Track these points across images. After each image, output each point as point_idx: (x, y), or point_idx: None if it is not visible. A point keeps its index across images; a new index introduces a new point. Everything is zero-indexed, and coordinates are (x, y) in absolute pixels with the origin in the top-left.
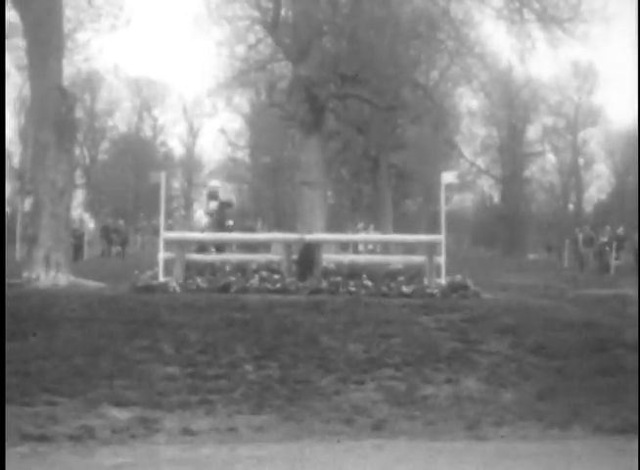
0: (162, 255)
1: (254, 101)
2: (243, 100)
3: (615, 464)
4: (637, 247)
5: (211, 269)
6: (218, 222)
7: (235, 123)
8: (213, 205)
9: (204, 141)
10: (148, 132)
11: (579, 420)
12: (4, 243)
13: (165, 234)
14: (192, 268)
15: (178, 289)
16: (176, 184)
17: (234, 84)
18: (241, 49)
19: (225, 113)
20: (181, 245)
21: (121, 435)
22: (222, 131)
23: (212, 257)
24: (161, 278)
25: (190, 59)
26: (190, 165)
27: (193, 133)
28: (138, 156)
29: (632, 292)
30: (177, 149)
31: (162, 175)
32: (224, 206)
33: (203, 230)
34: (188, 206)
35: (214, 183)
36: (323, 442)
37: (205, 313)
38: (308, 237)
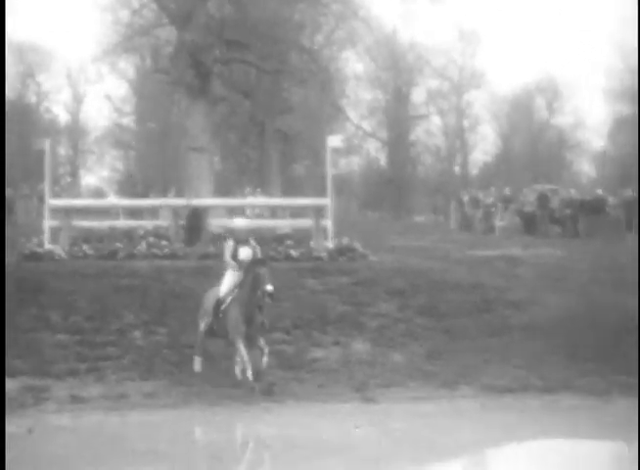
0: (48, 222)
1: (140, 67)
2: (128, 66)
3: (503, 421)
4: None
5: (98, 236)
6: (252, 287)
7: (120, 89)
8: (246, 253)
9: (89, 107)
10: (32, 99)
11: (468, 380)
12: (4, 239)
13: (51, 201)
14: (78, 236)
15: (64, 256)
16: (62, 151)
17: (118, 50)
18: (125, 14)
19: (110, 79)
20: (67, 212)
21: (10, 404)
22: (107, 97)
23: (99, 223)
24: (47, 246)
25: (74, 24)
26: (75, 132)
27: (78, 99)
28: (22, 122)
29: (517, 252)
30: (62, 115)
31: (47, 142)
32: (258, 263)
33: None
34: (74, 172)
35: (241, 222)
36: (214, 406)
37: (93, 280)
38: (195, 202)
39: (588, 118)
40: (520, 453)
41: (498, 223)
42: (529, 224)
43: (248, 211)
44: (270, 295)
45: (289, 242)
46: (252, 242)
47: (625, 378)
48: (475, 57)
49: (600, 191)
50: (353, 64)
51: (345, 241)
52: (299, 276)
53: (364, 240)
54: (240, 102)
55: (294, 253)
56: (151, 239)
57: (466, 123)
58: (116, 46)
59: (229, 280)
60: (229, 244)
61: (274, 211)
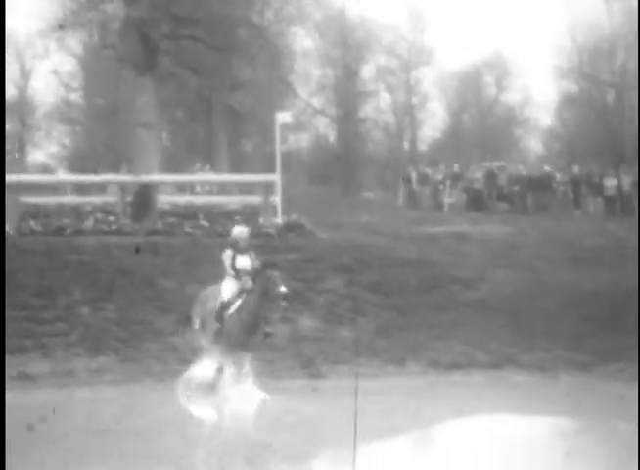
0: None
1: (87, 42)
2: (75, 41)
3: (449, 397)
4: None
5: (46, 212)
6: (263, 292)
7: (68, 65)
8: (244, 262)
9: (36, 83)
10: None
11: (415, 356)
12: (4, 235)
13: None
14: (26, 212)
15: (11, 232)
16: (9, 127)
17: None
18: None
19: (57, 54)
20: (14, 188)
21: None
22: (54, 73)
23: (46, 199)
24: None
25: None
26: (22, 108)
27: (25, 75)
28: None
29: (465, 229)
30: (9, 91)
31: None
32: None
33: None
34: (21, 148)
35: (241, 231)
36: (162, 382)
37: (40, 257)
38: (143, 179)
39: (537, 96)
40: (465, 429)
41: (447, 200)
42: (478, 201)
43: (197, 188)
44: (285, 297)
45: (237, 218)
46: (252, 253)
47: (571, 354)
48: (424, 34)
49: (548, 168)
50: (302, 40)
51: (294, 217)
52: None
53: (313, 216)
54: (188, 78)
55: None
56: (98, 215)
57: (415, 100)
58: (64, 21)
59: (229, 288)
60: (227, 253)
61: (223, 188)
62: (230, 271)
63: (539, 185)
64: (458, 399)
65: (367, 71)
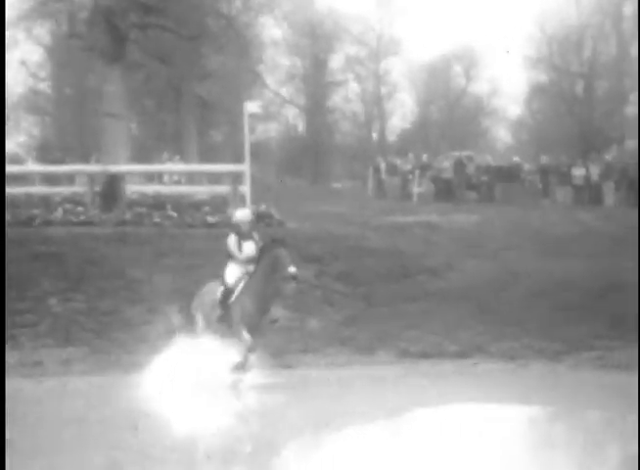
0: None
1: (55, 32)
2: (43, 31)
3: (418, 386)
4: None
5: (14, 202)
6: (270, 271)
7: (36, 55)
8: (250, 247)
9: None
10: None
11: (384, 345)
12: (4, 233)
13: None
14: None
15: None
16: None
17: (33, 15)
18: None
19: (26, 44)
20: None
21: None
22: (23, 63)
23: (15, 189)
24: None
25: None
26: None
27: None
28: None
29: (434, 218)
30: None
31: None
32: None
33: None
34: None
35: (244, 214)
36: (131, 373)
37: (9, 247)
38: (112, 169)
39: (505, 86)
40: (435, 418)
41: (415, 190)
42: (446, 191)
43: (165, 178)
44: (294, 277)
45: (206, 208)
46: (256, 235)
47: (540, 343)
48: (392, 24)
49: (516, 158)
50: (271, 30)
51: (263, 207)
52: (217, 242)
53: (282, 206)
54: (157, 68)
55: (211, 219)
56: (67, 205)
57: (384, 90)
58: (31, 11)
59: (233, 273)
60: (232, 238)
61: (192, 178)
62: (235, 257)
63: (508, 175)
64: (428, 388)
65: (336, 62)
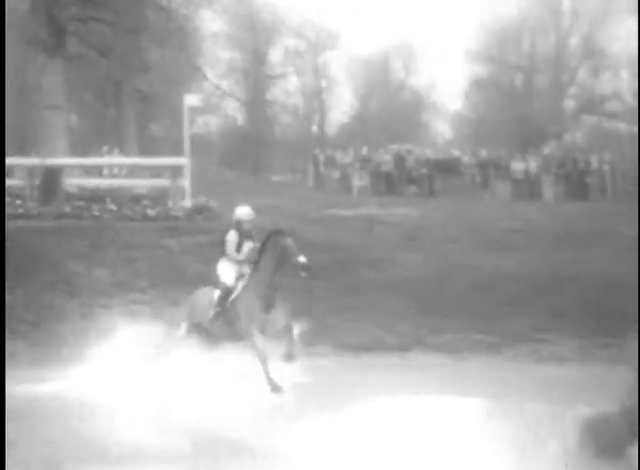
0: None
1: None
2: None
3: (358, 379)
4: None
5: None
6: (278, 263)
7: None
8: (249, 247)
9: None
10: None
11: (324, 338)
12: (4, 232)
13: None
14: None
15: None
16: None
17: None
18: None
19: None
20: None
21: None
22: None
23: None
24: None
25: None
26: None
27: None
28: None
29: (374, 212)
30: None
31: None
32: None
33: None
34: None
35: (245, 211)
36: (71, 366)
37: None
38: (50, 161)
39: (445, 80)
40: (375, 411)
41: (356, 183)
42: (386, 184)
43: (104, 171)
44: (305, 267)
45: (146, 202)
46: (253, 235)
47: (479, 336)
48: (330, 17)
49: (455, 151)
50: (211, 23)
51: (203, 200)
52: (157, 236)
53: (221, 199)
54: (96, 60)
55: (151, 212)
56: (6, 199)
57: (323, 83)
58: None
59: (229, 273)
60: (232, 235)
61: (131, 171)
62: (232, 255)
63: (447, 168)
64: (367, 380)
65: (276, 55)
